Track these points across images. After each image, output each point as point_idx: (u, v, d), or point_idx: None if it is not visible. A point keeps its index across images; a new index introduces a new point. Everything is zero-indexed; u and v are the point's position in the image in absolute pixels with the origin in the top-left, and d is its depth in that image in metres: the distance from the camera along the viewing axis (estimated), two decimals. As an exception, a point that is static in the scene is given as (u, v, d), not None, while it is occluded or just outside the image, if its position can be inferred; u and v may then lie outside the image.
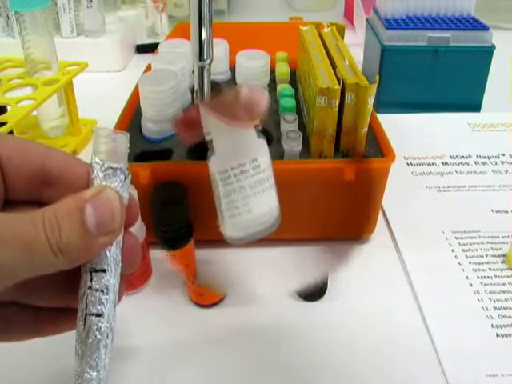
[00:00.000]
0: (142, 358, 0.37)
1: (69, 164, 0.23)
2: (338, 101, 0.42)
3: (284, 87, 0.51)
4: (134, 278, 0.41)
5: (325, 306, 0.41)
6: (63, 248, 0.20)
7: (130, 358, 0.37)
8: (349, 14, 1.04)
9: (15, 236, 0.19)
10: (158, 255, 0.42)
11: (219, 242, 0.45)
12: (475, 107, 0.70)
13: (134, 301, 0.41)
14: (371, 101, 0.42)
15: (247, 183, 0.25)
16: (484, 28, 0.66)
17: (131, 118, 0.50)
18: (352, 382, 0.35)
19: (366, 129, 0.44)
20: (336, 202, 0.44)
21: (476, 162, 0.59)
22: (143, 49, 0.88)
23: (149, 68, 0.55)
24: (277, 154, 0.45)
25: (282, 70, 0.56)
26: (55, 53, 0.57)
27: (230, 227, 0.25)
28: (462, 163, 0.59)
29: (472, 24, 0.67)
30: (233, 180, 0.26)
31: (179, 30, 0.71)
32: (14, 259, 0.19)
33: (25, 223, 0.20)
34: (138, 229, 0.39)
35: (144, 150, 0.45)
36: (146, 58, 0.76)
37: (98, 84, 0.76)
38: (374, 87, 0.41)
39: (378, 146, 0.46)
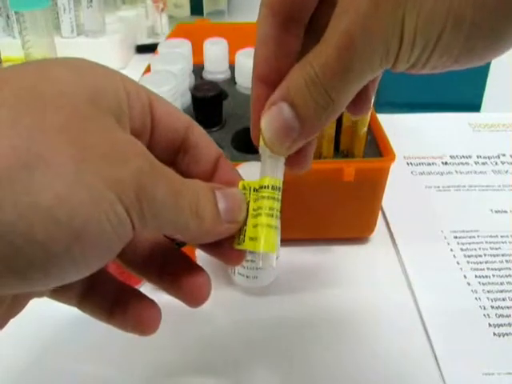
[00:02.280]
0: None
1: (206, 140, 0.25)
2: (336, 101, 0.42)
3: None
4: (127, 278, 0.41)
5: (323, 304, 0.41)
6: (199, 212, 0.21)
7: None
8: (349, 14, 1.04)
9: (166, 180, 0.20)
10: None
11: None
12: (475, 107, 0.70)
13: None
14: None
15: None
16: (484, 28, 0.66)
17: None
18: (349, 382, 0.35)
19: (365, 129, 0.44)
20: (335, 203, 0.44)
21: (476, 162, 0.59)
22: (143, 49, 0.88)
23: (148, 68, 0.55)
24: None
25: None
26: (55, 53, 0.57)
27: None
28: (462, 163, 0.59)
29: (472, 24, 0.67)
30: None
31: (179, 31, 0.71)
32: (164, 196, 0.20)
33: (173, 174, 0.21)
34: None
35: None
36: (146, 58, 0.76)
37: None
38: (374, 87, 0.41)
39: (377, 146, 0.46)
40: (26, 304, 0.24)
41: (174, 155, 0.25)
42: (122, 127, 0.21)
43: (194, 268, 0.26)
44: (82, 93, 0.19)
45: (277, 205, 0.23)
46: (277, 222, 0.23)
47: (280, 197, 0.24)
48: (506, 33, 0.17)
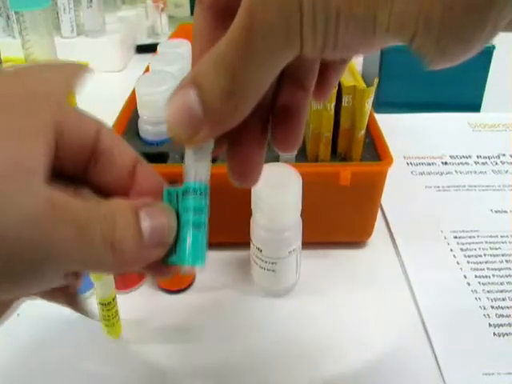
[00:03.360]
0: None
1: (118, 143, 0.23)
2: (333, 104, 0.41)
3: None
4: (126, 278, 0.41)
5: (323, 305, 0.41)
6: (116, 244, 0.19)
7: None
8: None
9: (69, 217, 0.18)
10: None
11: (218, 243, 0.46)
12: (475, 107, 0.70)
13: (131, 299, 0.41)
14: (369, 103, 0.42)
15: None
16: (484, 28, 0.66)
17: (128, 120, 0.50)
18: (349, 381, 0.35)
19: (363, 132, 0.43)
20: (332, 207, 0.44)
21: (476, 162, 0.59)
22: (143, 49, 0.88)
23: (148, 69, 0.55)
24: (271, 157, 0.44)
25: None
26: (55, 53, 0.57)
27: None
28: (461, 163, 0.59)
29: (472, 24, 0.67)
30: None
31: (181, 31, 0.71)
32: (65, 241, 0.18)
33: (80, 207, 0.19)
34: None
35: (141, 152, 0.45)
36: (146, 58, 0.76)
37: (97, 84, 0.76)
38: (372, 90, 0.41)
39: (375, 149, 0.45)
40: (13, 306, 0.23)
41: (84, 165, 0.22)
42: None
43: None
44: None
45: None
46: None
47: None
48: (475, 37, 0.17)
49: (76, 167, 0.22)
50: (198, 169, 0.21)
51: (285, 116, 0.23)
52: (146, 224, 0.20)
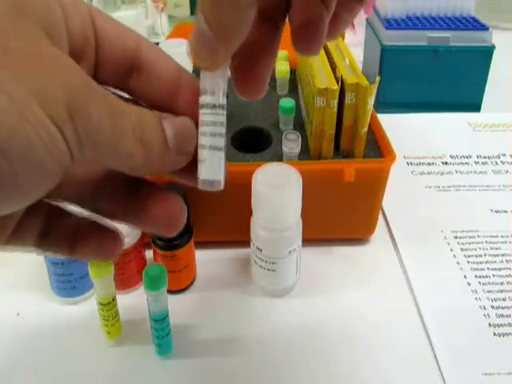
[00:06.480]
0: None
1: (160, 56, 0.22)
2: (336, 101, 0.42)
3: (284, 100, 0.51)
4: (126, 278, 0.41)
5: (323, 305, 0.41)
6: (144, 140, 0.19)
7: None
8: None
9: (104, 99, 0.18)
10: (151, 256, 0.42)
11: (219, 242, 0.46)
12: (475, 107, 0.70)
13: (131, 299, 0.41)
14: (371, 101, 0.42)
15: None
16: (484, 28, 0.66)
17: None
18: (349, 381, 0.35)
19: (365, 129, 0.44)
20: (335, 203, 0.44)
21: (476, 162, 0.59)
22: (144, 49, 0.88)
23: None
24: (275, 155, 0.45)
25: (282, 68, 0.56)
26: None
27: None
28: (462, 163, 0.59)
29: (472, 24, 0.67)
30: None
31: (179, 31, 0.71)
32: (101, 116, 0.18)
33: (114, 98, 0.19)
34: (132, 230, 0.40)
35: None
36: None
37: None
38: (375, 87, 0.41)
39: (377, 147, 0.46)
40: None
41: (126, 77, 0.22)
42: (56, 43, 0.18)
43: (162, 193, 0.23)
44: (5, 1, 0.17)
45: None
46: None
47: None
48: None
49: (118, 80, 0.22)
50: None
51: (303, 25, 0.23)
52: (168, 129, 0.20)
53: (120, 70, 0.22)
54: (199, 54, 0.20)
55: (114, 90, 0.22)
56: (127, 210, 0.23)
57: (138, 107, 0.20)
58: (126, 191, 0.23)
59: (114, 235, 0.24)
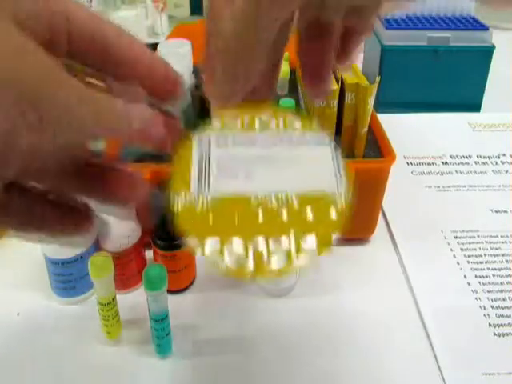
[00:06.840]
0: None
1: (129, 41, 0.23)
2: (336, 101, 0.42)
3: (284, 100, 0.51)
4: (126, 278, 0.41)
5: (324, 304, 0.41)
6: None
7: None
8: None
9: (87, 97, 0.19)
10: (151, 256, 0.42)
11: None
12: (475, 107, 0.70)
13: (131, 299, 0.41)
14: (371, 101, 0.42)
15: None
16: (484, 28, 0.66)
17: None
18: (349, 381, 0.35)
19: (365, 129, 0.44)
20: (335, 203, 0.44)
21: (476, 162, 0.59)
22: (143, 49, 0.88)
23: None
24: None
25: (282, 68, 0.56)
26: (55, 53, 0.57)
27: None
28: (462, 163, 0.59)
29: (472, 24, 0.67)
30: None
31: (179, 31, 0.71)
32: (83, 115, 0.18)
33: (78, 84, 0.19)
34: (133, 230, 0.40)
35: (141, 152, 0.45)
36: (147, 58, 0.76)
37: (98, 84, 0.76)
38: (375, 87, 0.41)
39: (377, 147, 0.46)
40: None
41: (99, 60, 0.22)
42: (26, 31, 0.18)
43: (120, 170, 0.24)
44: None
45: None
46: None
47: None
48: None
49: (89, 58, 0.22)
50: None
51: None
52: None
53: (92, 48, 0.22)
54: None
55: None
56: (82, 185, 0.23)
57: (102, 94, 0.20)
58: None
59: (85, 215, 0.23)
